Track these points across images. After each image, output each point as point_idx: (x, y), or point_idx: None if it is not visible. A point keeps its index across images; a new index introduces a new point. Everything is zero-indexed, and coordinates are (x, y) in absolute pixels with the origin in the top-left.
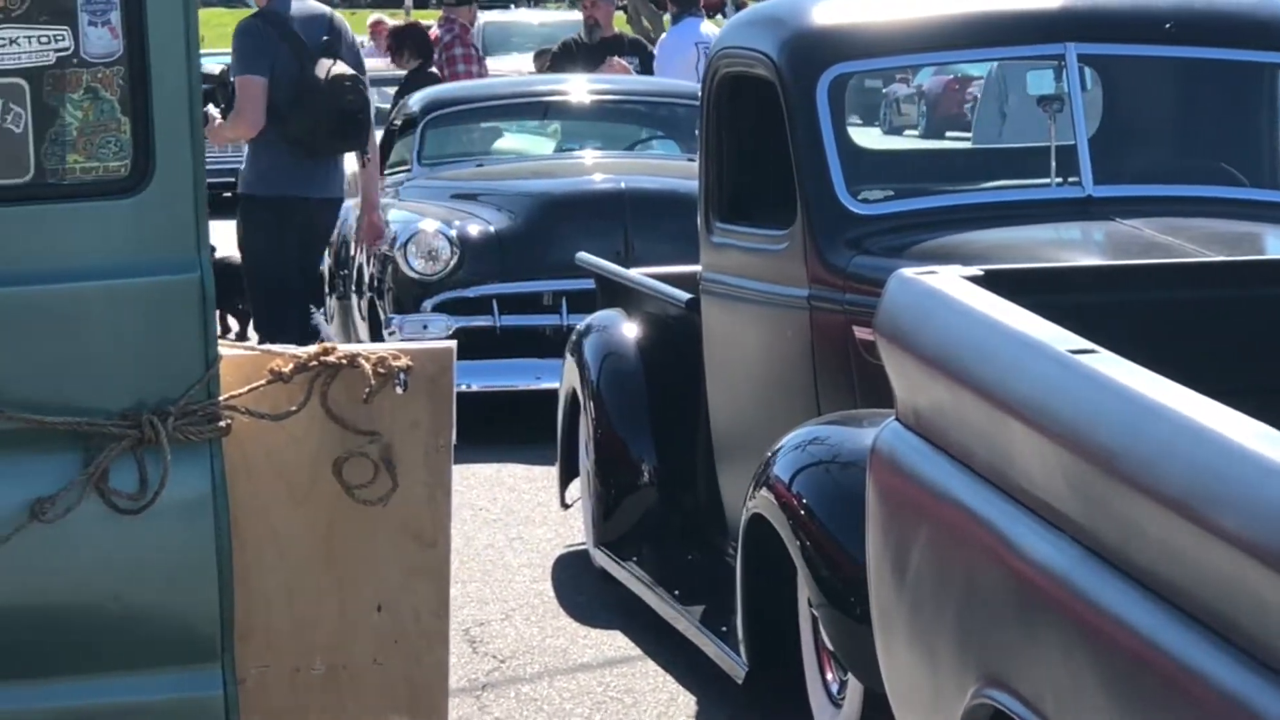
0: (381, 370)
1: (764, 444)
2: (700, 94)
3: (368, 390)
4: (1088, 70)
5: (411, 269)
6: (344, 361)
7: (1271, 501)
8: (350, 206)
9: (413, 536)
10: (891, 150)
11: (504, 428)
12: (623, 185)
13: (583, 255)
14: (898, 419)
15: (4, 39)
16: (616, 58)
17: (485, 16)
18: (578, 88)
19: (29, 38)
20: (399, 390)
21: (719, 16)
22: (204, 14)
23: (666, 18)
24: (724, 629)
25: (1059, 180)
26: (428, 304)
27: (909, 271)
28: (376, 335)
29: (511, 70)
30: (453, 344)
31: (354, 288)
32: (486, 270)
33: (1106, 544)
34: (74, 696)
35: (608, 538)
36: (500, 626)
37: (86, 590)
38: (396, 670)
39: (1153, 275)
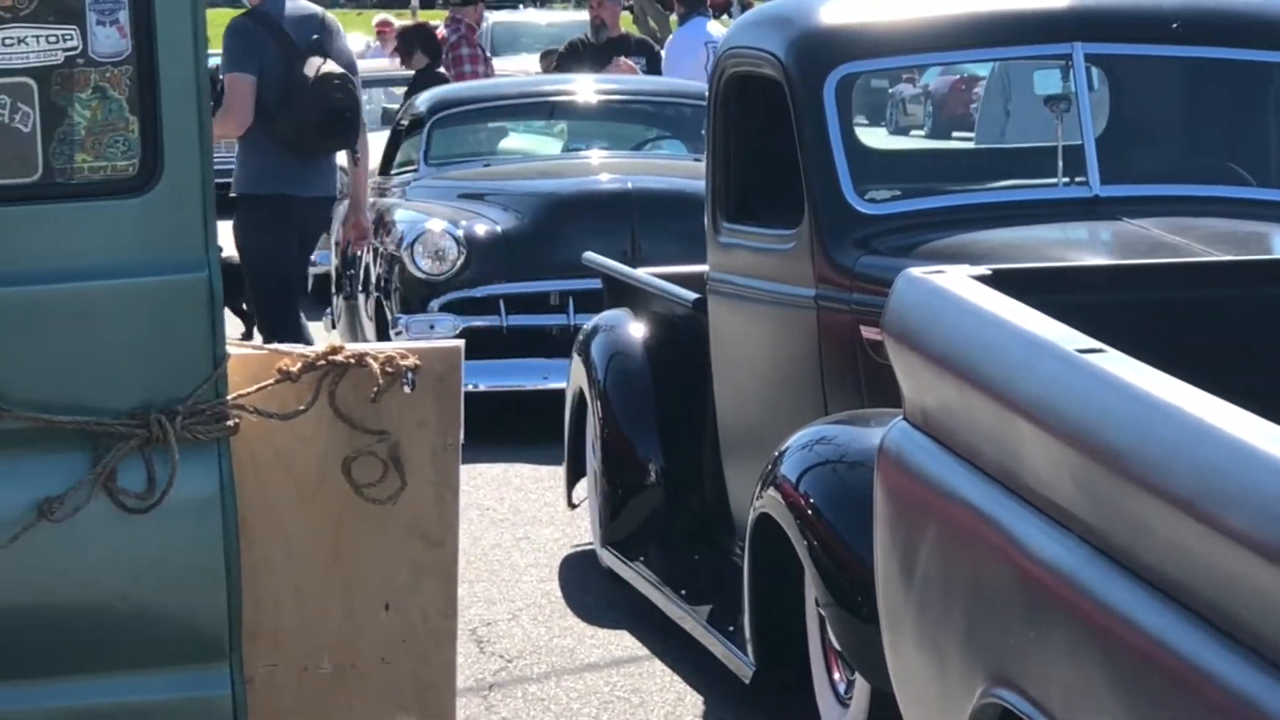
0: (389, 370)
1: (771, 444)
2: (707, 94)
3: (376, 389)
4: (1095, 70)
5: (418, 269)
6: (352, 361)
7: (1278, 500)
8: None
9: (420, 536)
10: (898, 150)
11: (511, 428)
12: (630, 185)
13: (590, 255)
14: (905, 418)
15: (12, 38)
16: (623, 58)
17: (494, 17)
18: (584, 88)
19: (37, 37)
20: (407, 389)
21: (725, 16)
22: (209, 14)
23: (673, 18)
24: (731, 629)
25: (1066, 180)
26: (435, 304)
27: (917, 271)
28: (383, 335)
29: (518, 70)
30: (461, 343)
31: (361, 287)
32: (493, 270)
33: (1114, 543)
34: (82, 696)
35: (615, 538)
36: (507, 626)
37: (94, 589)
38: (404, 669)
39: (1160, 275)
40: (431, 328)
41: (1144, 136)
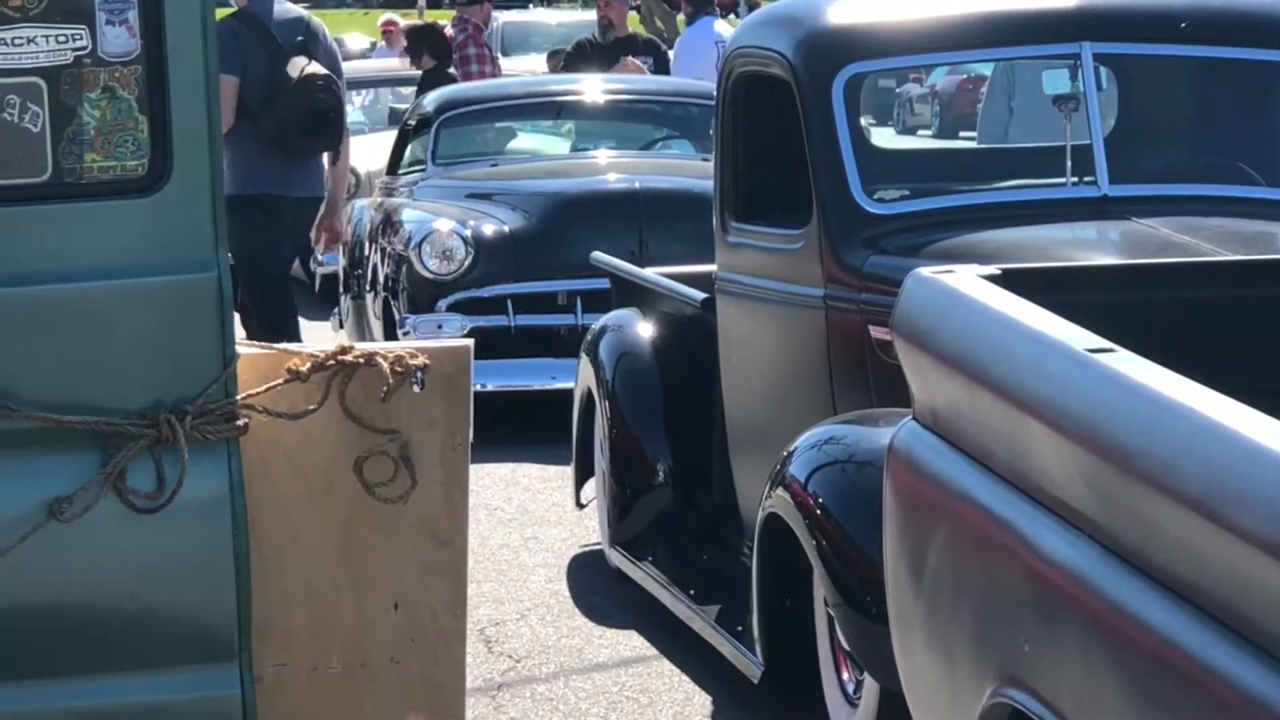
0: (399, 369)
1: (780, 443)
2: (715, 93)
3: (385, 389)
4: (1103, 69)
5: (426, 269)
6: (361, 360)
7: None
8: (365, 206)
9: (430, 535)
10: (907, 150)
11: (519, 428)
12: (637, 185)
13: (598, 255)
14: (915, 418)
15: (21, 38)
16: (630, 57)
17: (504, 16)
18: (592, 88)
19: (46, 36)
20: (416, 389)
21: (732, 16)
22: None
23: (680, 18)
24: (739, 629)
25: (1075, 180)
26: (442, 304)
27: (926, 271)
28: (391, 335)
29: (527, 70)
30: (470, 343)
31: (368, 287)
32: (501, 270)
33: (1125, 543)
34: (92, 696)
35: (623, 537)
36: (515, 626)
37: (104, 589)
38: (413, 669)
39: (1169, 274)
40: (439, 327)
41: (1152, 136)
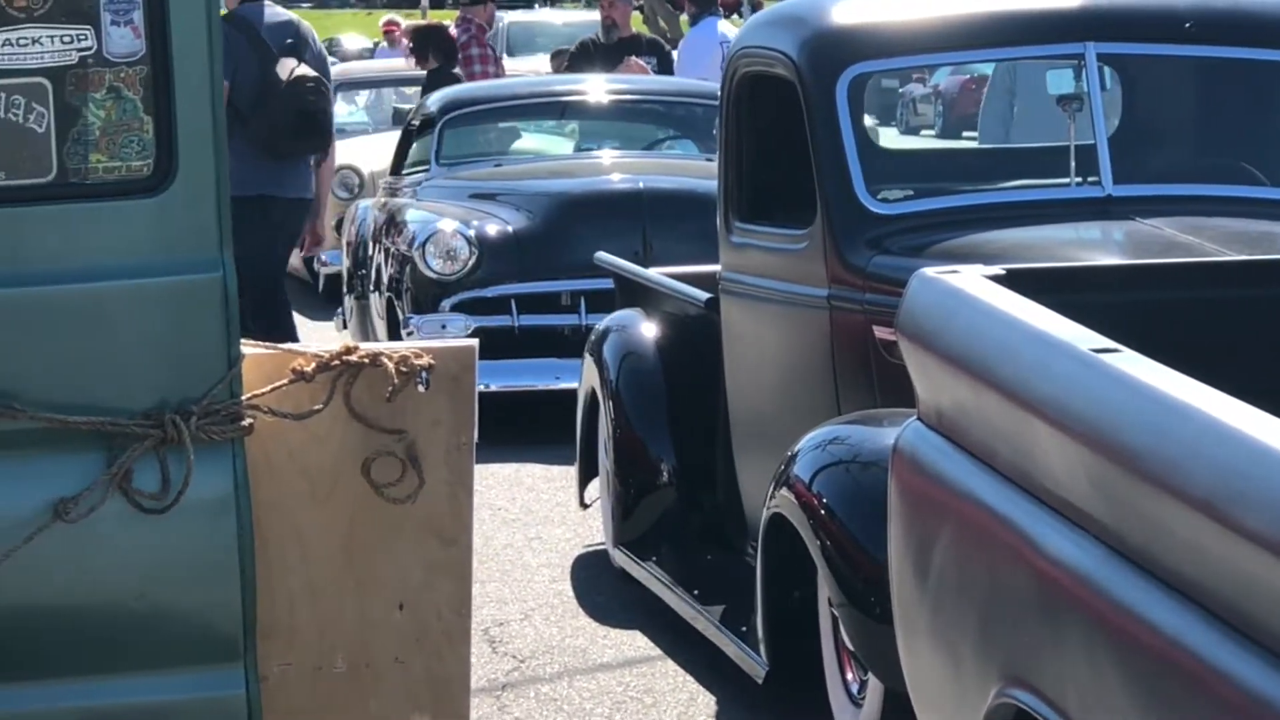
0: (404, 369)
1: (784, 444)
2: (719, 94)
3: (391, 389)
4: (1107, 69)
5: (430, 269)
6: (366, 361)
7: None
8: (369, 206)
9: (434, 535)
10: (911, 150)
11: (523, 428)
12: (641, 185)
13: (601, 255)
14: (920, 419)
15: (26, 38)
16: (634, 58)
17: (510, 16)
18: (595, 88)
19: (51, 37)
20: (421, 389)
21: (736, 16)
22: None
23: (683, 18)
24: (744, 629)
25: (1079, 180)
26: (446, 304)
27: (931, 271)
28: (395, 335)
29: (529, 70)
30: (475, 343)
31: (372, 287)
32: (505, 270)
33: (1130, 543)
34: (97, 696)
35: (627, 537)
36: (520, 626)
37: (109, 590)
38: (418, 669)
39: (1174, 274)
40: (443, 328)
41: (1157, 136)
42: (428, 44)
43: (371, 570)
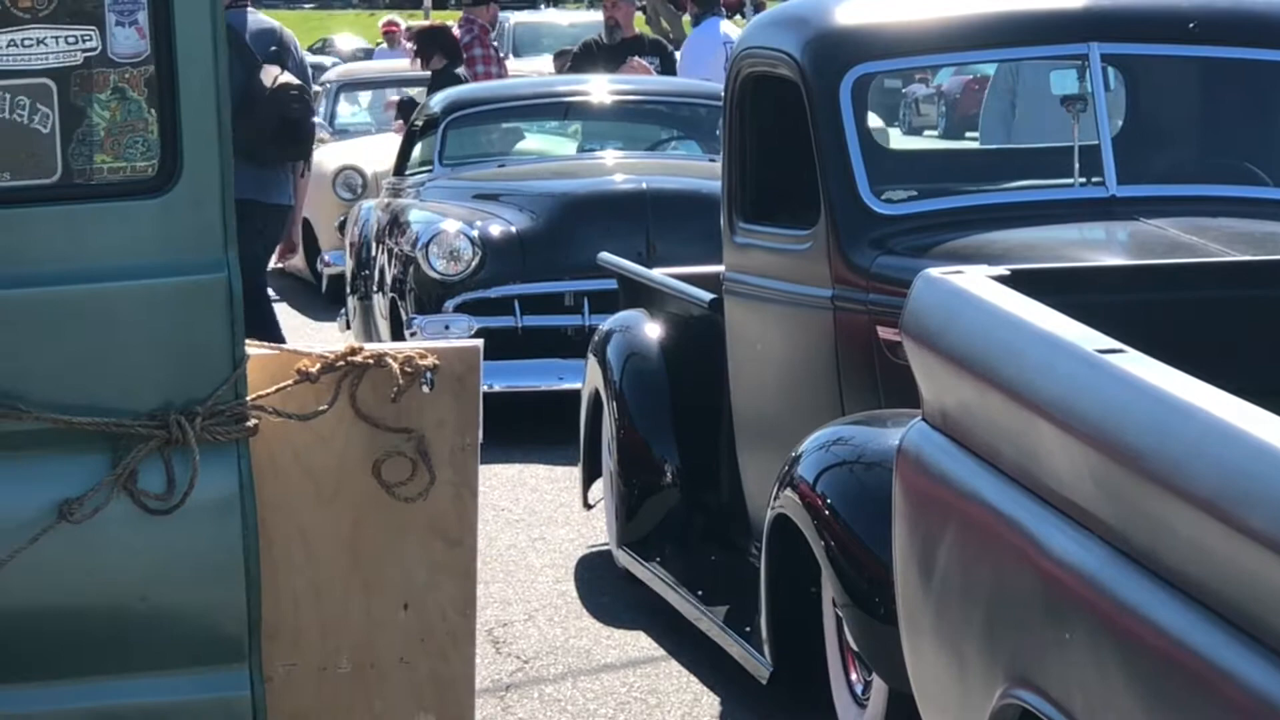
0: (409, 370)
1: (787, 444)
2: (723, 94)
3: (396, 390)
4: (1111, 69)
5: (433, 269)
6: (371, 361)
7: None
8: (372, 206)
9: (439, 535)
10: (915, 150)
11: (526, 428)
12: (644, 186)
13: (605, 255)
14: (924, 419)
15: (31, 39)
16: (637, 58)
17: (516, 17)
18: (598, 88)
19: (56, 38)
20: (425, 389)
21: (738, 16)
22: None
23: (686, 18)
24: (748, 629)
25: (1083, 180)
26: (449, 304)
27: (935, 271)
28: (398, 335)
29: (532, 71)
30: (479, 343)
31: (375, 288)
32: (508, 271)
33: (1135, 544)
34: (102, 697)
35: (631, 538)
36: (523, 627)
37: (114, 591)
38: (423, 669)
39: (1178, 275)
40: (446, 328)
41: (1160, 136)
42: (432, 45)
43: (376, 570)
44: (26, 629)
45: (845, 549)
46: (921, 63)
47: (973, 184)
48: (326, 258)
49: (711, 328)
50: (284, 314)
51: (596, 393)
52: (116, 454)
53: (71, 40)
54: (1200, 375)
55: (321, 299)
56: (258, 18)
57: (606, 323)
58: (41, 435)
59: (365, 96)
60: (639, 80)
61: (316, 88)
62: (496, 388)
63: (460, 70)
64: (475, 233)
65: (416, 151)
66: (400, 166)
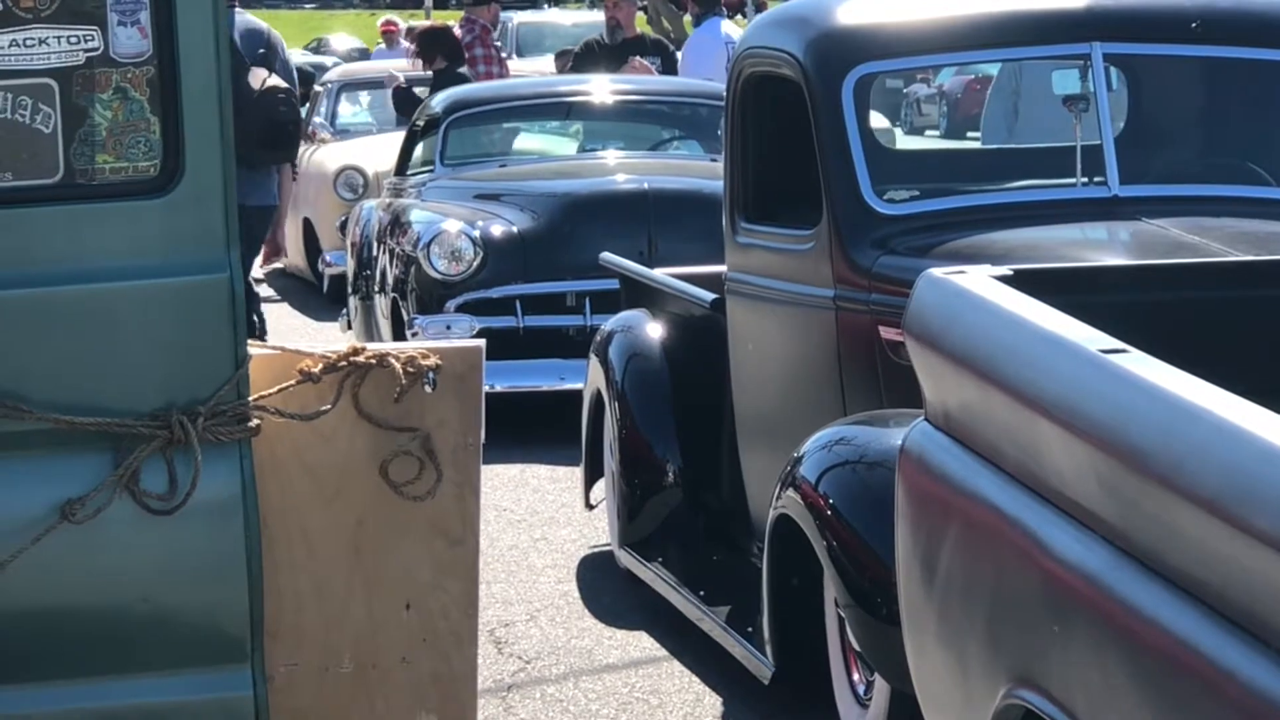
0: (411, 370)
1: (789, 444)
2: (725, 94)
3: (399, 389)
4: (1113, 69)
5: (435, 269)
6: (374, 361)
7: None
8: (373, 206)
9: (441, 534)
10: (917, 150)
11: (528, 429)
12: (646, 186)
13: (607, 255)
14: (927, 419)
15: (33, 39)
16: (638, 58)
17: (519, 17)
18: (600, 88)
19: (58, 38)
20: (428, 389)
21: (739, 16)
22: None
23: (687, 18)
24: (750, 629)
25: (1085, 180)
26: (451, 304)
27: (938, 271)
28: (399, 335)
29: (534, 71)
30: (481, 343)
31: (377, 288)
32: (510, 271)
33: (1138, 544)
34: (104, 697)
35: (632, 538)
36: (525, 627)
37: (117, 591)
38: (425, 668)
39: (1181, 275)
40: (448, 328)
41: (1163, 136)
42: (434, 45)
43: (378, 570)
44: (28, 629)
45: (847, 549)
46: (924, 63)
47: (975, 184)
48: (328, 258)
49: (713, 328)
50: (285, 314)
51: (598, 393)
52: (119, 454)
53: (73, 40)
54: (1203, 375)
55: (323, 299)
56: (245, 18)
57: (608, 323)
58: (44, 435)
59: (366, 96)
60: (640, 80)
61: (317, 87)
62: (498, 388)
63: (463, 70)
64: (477, 233)
65: (418, 151)
66: (401, 166)
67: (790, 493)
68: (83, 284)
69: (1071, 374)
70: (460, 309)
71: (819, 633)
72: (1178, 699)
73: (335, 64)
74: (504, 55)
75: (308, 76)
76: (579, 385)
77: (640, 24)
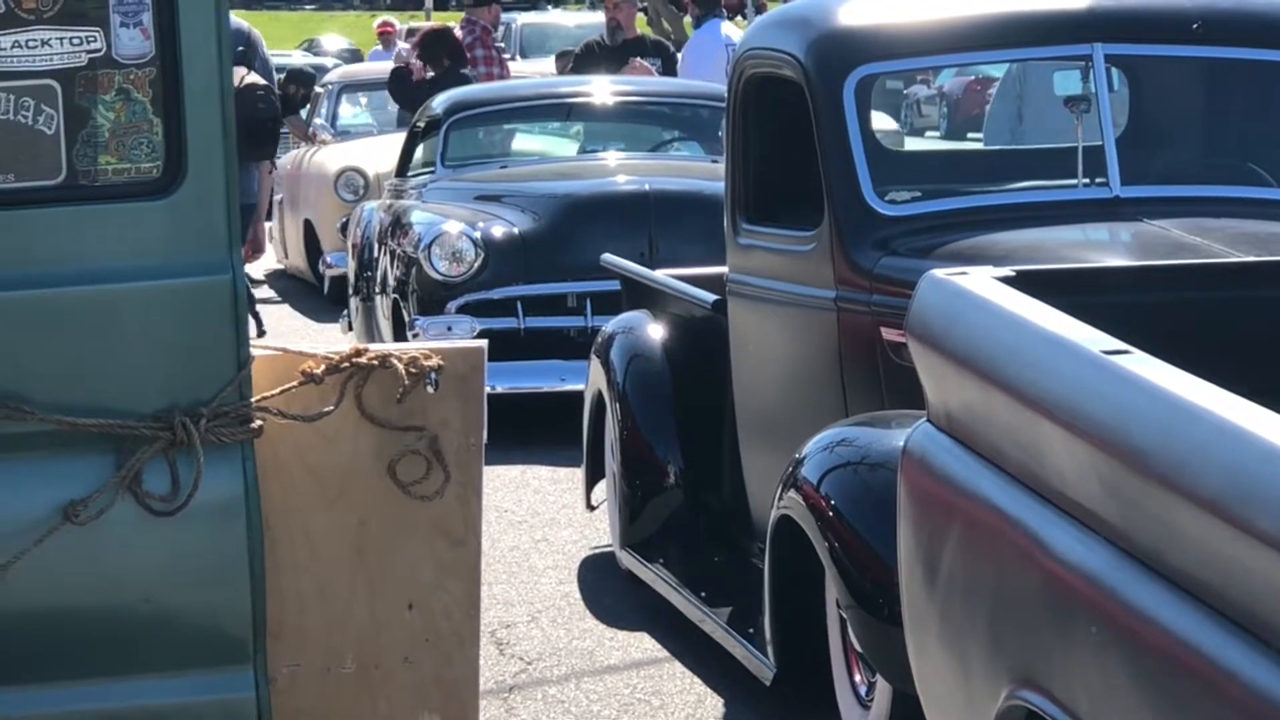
0: (414, 370)
1: (791, 445)
2: (726, 95)
3: (401, 390)
4: (1114, 70)
5: (436, 270)
6: (376, 362)
7: None
8: (374, 208)
9: (443, 535)
10: (918, 151)
11: (529, 430)
12: (647, 187)
13: (608, 257)
14: (929, 420)
15: (35, 40)
16: (639, 59)
17: (523, 18)
18: (600, 89)
19: (60, 39)
20: (430, 390)
21: (739, 18)
22: None
23: (687, 20)
24: (751, 630)
25: (1086, 181)
26: (452, 305)
27: (941, 272)
28: (400, 337)
29: (536, 72)
30: (484, 344)
31: (378, 289)
32: (511, 272)
33: (1140, 545)
34: (106, 699)
35: (634, 539)
36: (527, 628)
37: (119, 592)
38: (427, 669)
39: (1183, 276)
40: (449, 329)
41: (1164, 137)
42: (436, 47)
43: (381, 571)
44: (31, 631)
45: (849, 550)
46: (925, 63)
47: (976, 185)
48: (328, 259)
49: (714, 329)
50: (286, 315)
51: (600, 394)
52: (121, 455)
53: (76, 41)
54: (1205, 376)
55: (323, 300)
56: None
57: (609, 324)
58: (46, 437)
59: (366, 98)
60: (641, 81)
61: (318, 89)
62: (499, 389)
63: (466, 70)
64: (478, 234)
65: (419, 153)
66: (402, 168)
67: (792, 494)
68: (85, 285)
69: (1073, 375)
70: (461, 310)
71: (820, 634)
72: (1179, 699)
73: (335, 65)
74: (505, 56)
75: (308, 78)
76: (580, 386)
77: (640, 25)
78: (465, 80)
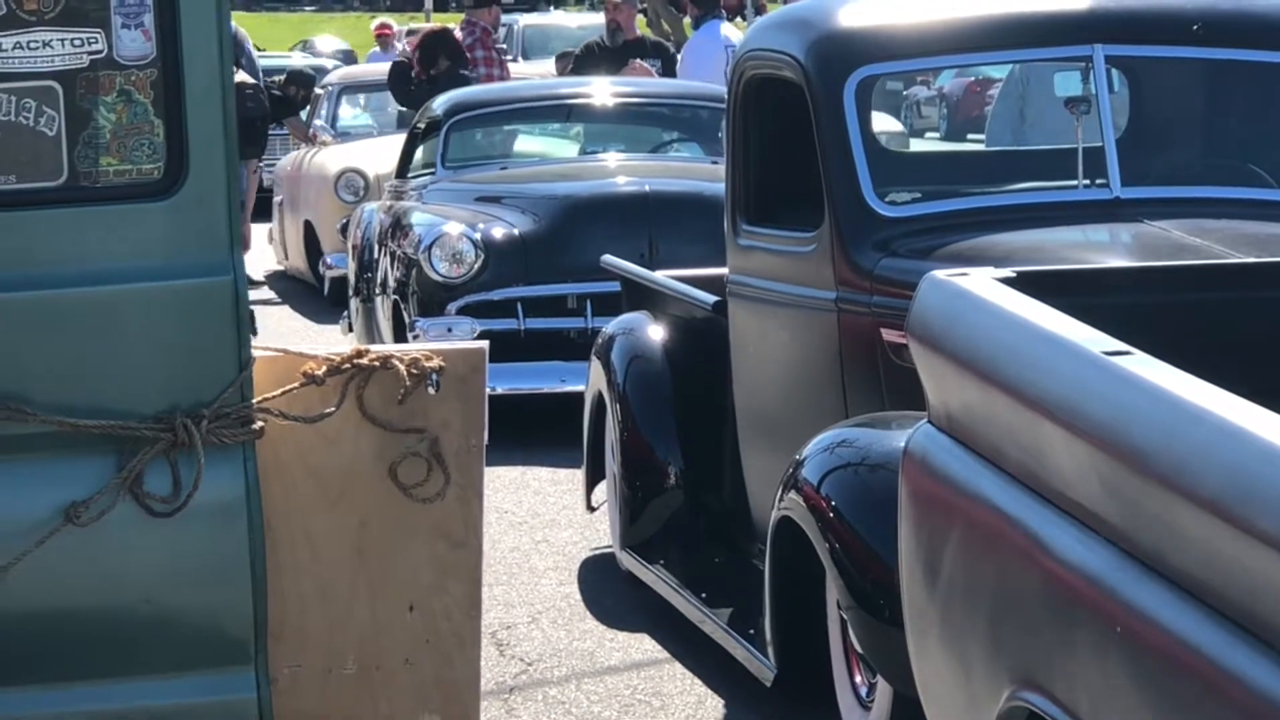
0: (415, 371)
1: (791, 446)
2: (727, 96)
3: (403, 391)
4: (1115, 71)
5: (436, 272)
6: (377, 363)
7: None
8: (374, 209)
9: (444, 537)
10: (918, 152)
11: (529, 431)
12: (647, 188)
13: (608, 258)
14: (930, 421)
15: (37, 41)
16: (639, 60)
17: (525, 20)
18: (601, 90)
19: (62, 40)
20: (431, 391)
21: (739, 19)
22: None
23: (686, 21)
24: (752, 631)
25: (1086, 182)
26: (452, 307)
27: (941, 273)
28: (401, 338)
29: (536, 74)
30: (484, 345)
31: (378, 290)
32: (511, 273)
33: (1141, 546)
34: (108, 700)
35: (634, 540)
36: (527, 629)
37: (120, 593)
38: (428, 670)
39: (1184, 276)
40: (449, 330)
41: (1164, 138)
42: (436, 48)
43: (382, 572)
44: (32, 631)
45: (850, 551)
46: (925, 64)
47: (977, 186)
48: (329, 260)
49: (715, 330)
50: (286, 317)
51: (600, 395)
52: (122, 457)
53: (77, 43)
54: (1205, 377)
55: (323, 301)
56: None
57: (610, 325)
58: (47, 438)
59: (366, 99)
60: (641, 82)
61: (319, 90)
62: (499, 390)
63: (466, 71)
64: (478, 235)
65: (419, 154)
66: (403, 169)
67: (792, 495)
68: (86, 286)
69: (1074, 375)
70: (461, 311)
71: (821, 635)
72: (1181, 700)
73: (336, 66)
74: (505, 58)
75: (309, 79)
76: (580, 387)
77: (640, 26)
78: (464, 81)
